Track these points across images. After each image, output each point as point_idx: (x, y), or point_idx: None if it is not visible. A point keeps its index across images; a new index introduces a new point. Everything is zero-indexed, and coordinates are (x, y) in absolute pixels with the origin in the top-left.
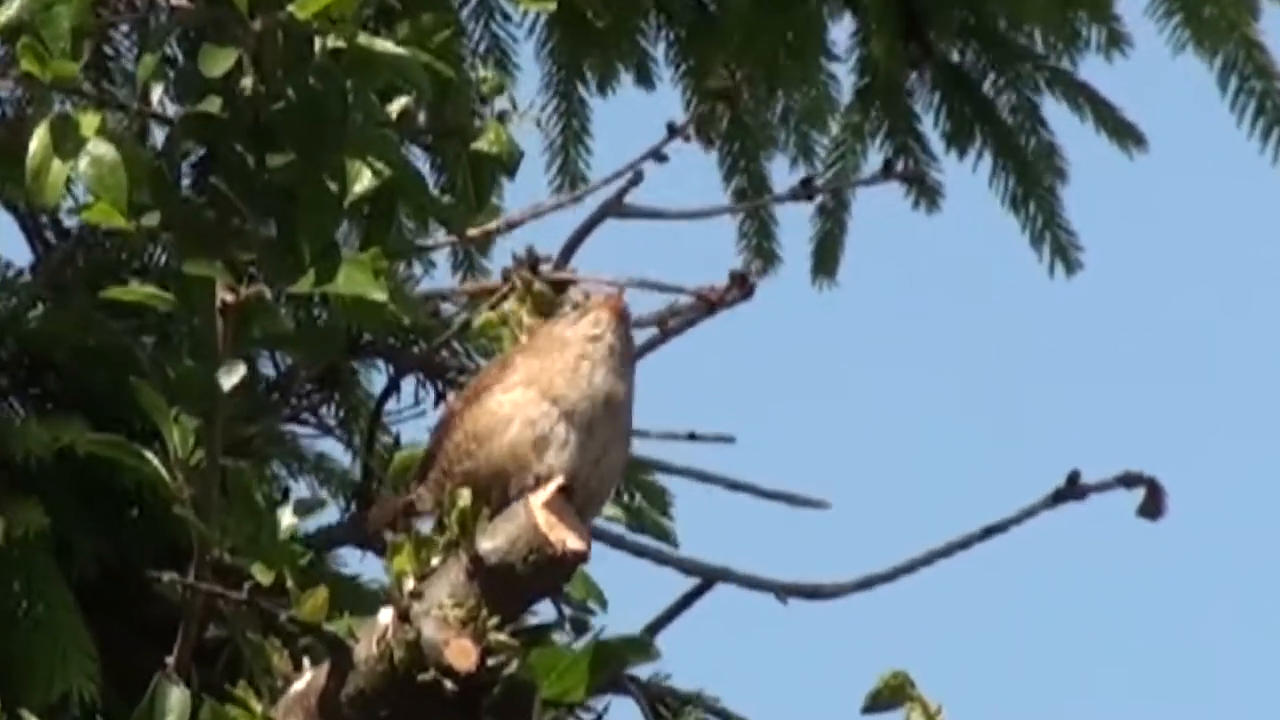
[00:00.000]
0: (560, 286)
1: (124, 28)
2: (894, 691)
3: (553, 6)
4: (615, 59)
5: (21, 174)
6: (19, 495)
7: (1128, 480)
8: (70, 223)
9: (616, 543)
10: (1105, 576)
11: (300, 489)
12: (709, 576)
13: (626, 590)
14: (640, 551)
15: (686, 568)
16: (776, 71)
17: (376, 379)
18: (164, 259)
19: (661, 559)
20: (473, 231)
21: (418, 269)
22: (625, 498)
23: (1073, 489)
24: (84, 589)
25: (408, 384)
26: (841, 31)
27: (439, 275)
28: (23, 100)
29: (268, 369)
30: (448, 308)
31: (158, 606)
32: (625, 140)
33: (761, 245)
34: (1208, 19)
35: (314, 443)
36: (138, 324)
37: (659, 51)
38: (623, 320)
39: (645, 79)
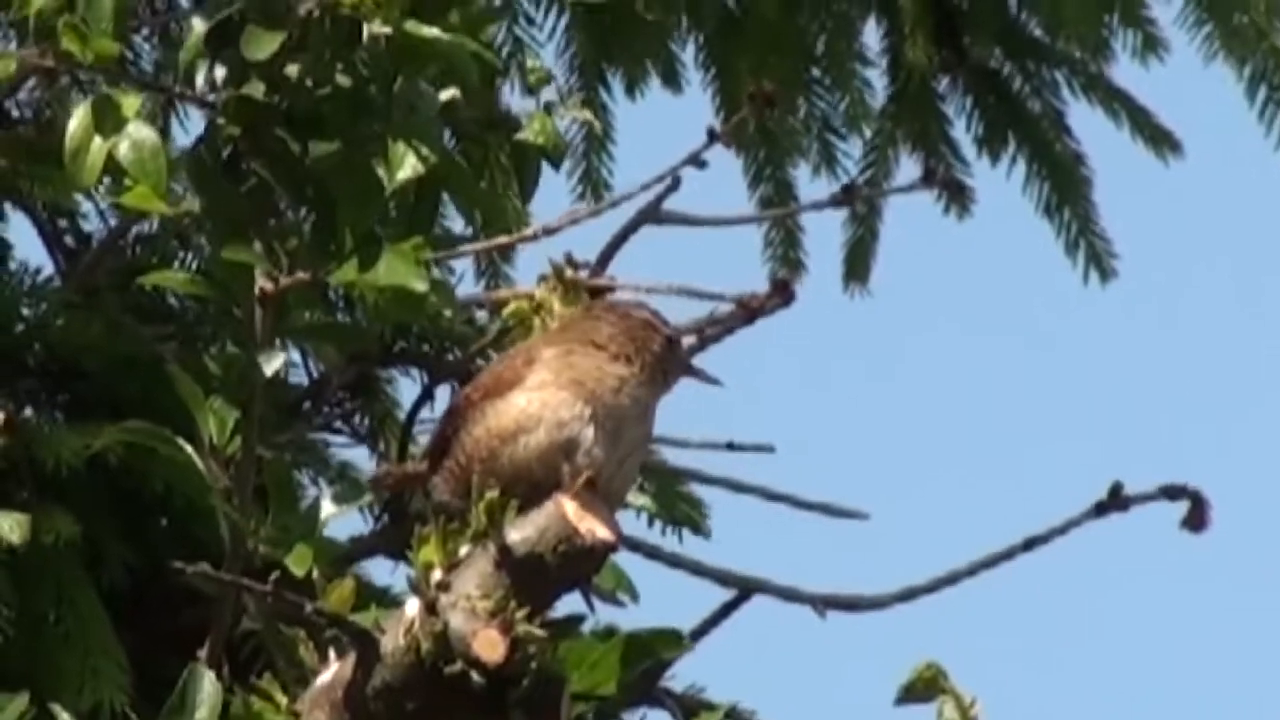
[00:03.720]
0: (598, 293)
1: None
2: (927, 684)
3: None
4: (643, 61)
5: (50, 172)
6: (50, 503)
7: (1171, 492)
8: (90, 226)
9: (653, 554)
10: (1148, 589)
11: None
12: (746, 588)
13: (663, 601)
14: (677, 563)
15: (724, 579)
16: (799, 79)
17: (409, 388)
18: (194, 263)
19: (699, 570)
20: (509, 238)
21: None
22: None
23: (1115, 500)
24: (114, 597)
25: (441, 392)
26: (868, 36)
27: (465, 283)
28: (49, 101)
29: (300, 377)
30: (482, 315)
31: (188, 614)
32: (648, 146)
33: (788, 254)
34: (1237, 27)
35: (340, 452)
36: (167, 330)
37: (687, 55)
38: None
39: (672, 81)
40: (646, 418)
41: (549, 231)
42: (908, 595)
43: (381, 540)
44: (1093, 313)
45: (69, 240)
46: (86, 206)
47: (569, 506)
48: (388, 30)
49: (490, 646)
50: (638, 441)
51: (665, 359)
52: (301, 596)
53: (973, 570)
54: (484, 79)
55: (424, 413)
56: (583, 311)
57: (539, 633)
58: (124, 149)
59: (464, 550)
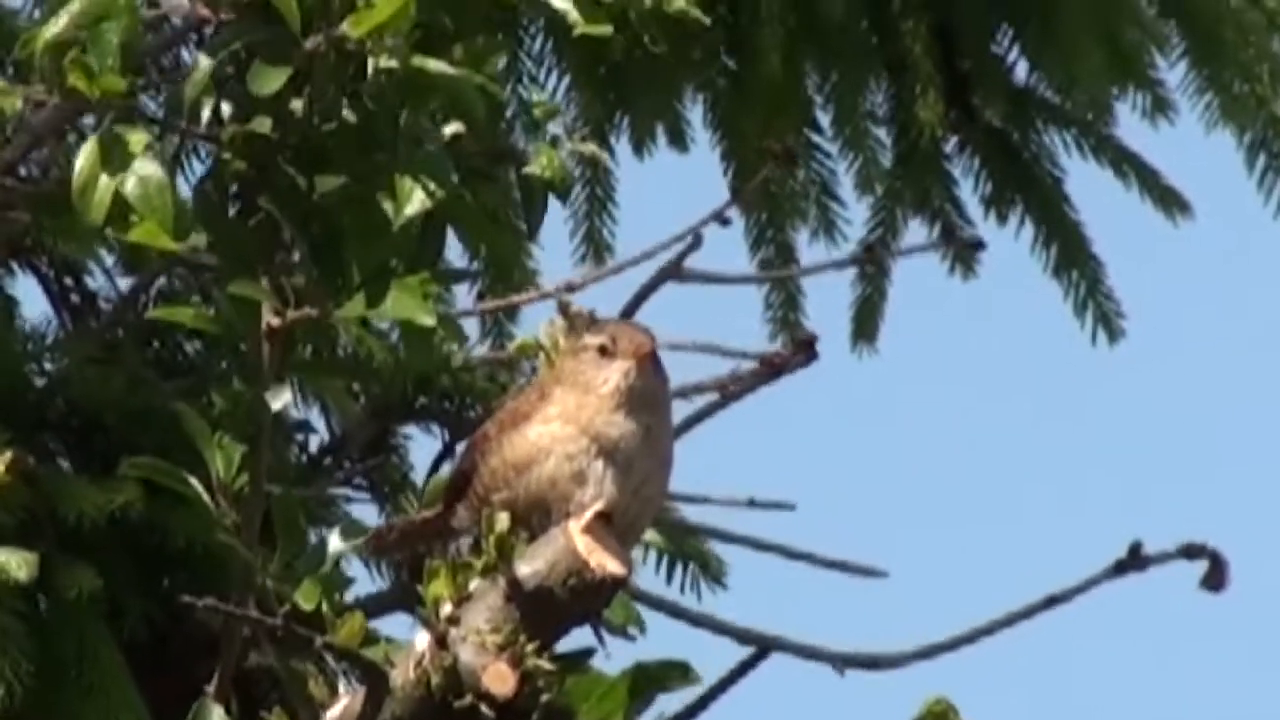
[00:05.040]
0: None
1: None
2: (937, 719)
3: (609, 31)
4: (650, 121)
5: (69, 225)
6: (71, 557)
7: (1190, 552)
8: (95, 284)
9: (675, 611)
10: (1168, 648)
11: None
12: (765, 645)
13: (683, 657)
14: (697, 620)
15: (743, 636)
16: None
17: (428, 445)
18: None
19: (717, 627)
20: (528, 296)
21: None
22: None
23: (1135, 560)
24: (134, 650)
25: (461, 449)
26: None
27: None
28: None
29: (319, 430)
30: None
31: (208, 665)
32: (650, 210)
33: (788, 316)
34: (1238, 95)
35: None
36: (187, 384)
37: (694, 115)
38: (652, 362)
39: (679, 141)
40: (657, 441)
41: (571, 289)
42: (927, 653)
43: (400, 597)
44: (1104, 371)
45: (74, 298)
46: (91, 266)
47: (579, 540)
48: (394, 64)
49: (500, 680)
50: (652, 467)
51: (625, 387)
52: (312, 631)
53: (993, 628)
54: (489, 114)
55: (443, 469)
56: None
57: (549, 666)
58: (131, 185)
59: (474, 584)
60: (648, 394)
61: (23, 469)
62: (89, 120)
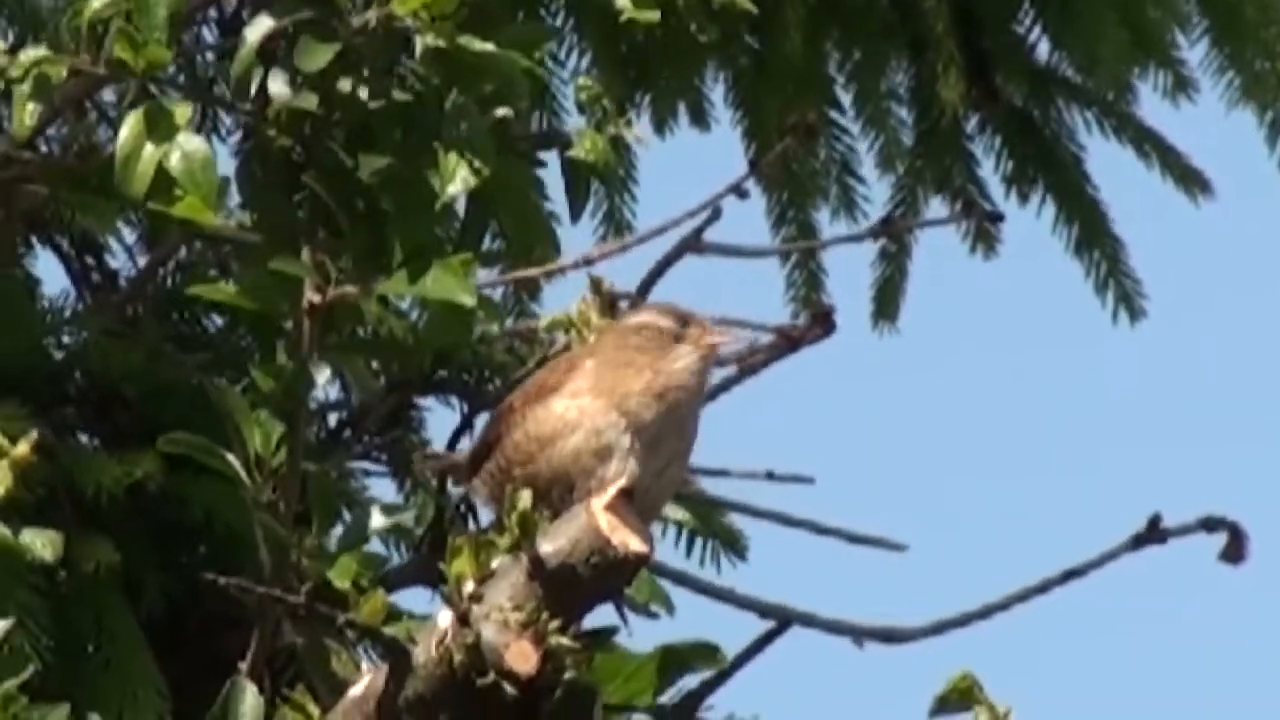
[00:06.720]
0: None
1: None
2: (962, 695)
3: (656, 17)
4: (672, 99)
5: (90, 199)
6: (89, 531)
7: (1209, 525)
8: (117, 264)
9: (699, 587)
10: (1186, 622)
11: None
12: (785, 619)
13: (703, 632)
14: (716, 594)
15: (762, 610)
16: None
17: (448, 418)
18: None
19: (738, 602)
20: (547, 268)
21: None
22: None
23: (1153, 533)
24: (153, 625)
25: (481, 422)
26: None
27: None
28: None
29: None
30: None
31: (227, 640)
32: (669, 187)
33: (810, 295)
34: (1259, 74)
35: (373, 484)
36: (207, 358)
37: (716, 94)
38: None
39: (701, 120)
40: (686, 427)
41: (588, 262)
42: (946, 627)
43: (419, 571)
44: (1125, 351)
45: (95, 277)
46: (113, 244)
47: (602, 518)
48: (441, 44)
49: (523, 658)
50: (677, 452)
51: (692, 372)
52: (334, 609)
53: (1011, 602)
54: (533, 98)
55: (463, 442)
56: (622, 319)
57: (571, 644)
58: (175, 159)
59: (496, 562)
60: (703, 382)
61: (43, 444)
62: (110, 97)
